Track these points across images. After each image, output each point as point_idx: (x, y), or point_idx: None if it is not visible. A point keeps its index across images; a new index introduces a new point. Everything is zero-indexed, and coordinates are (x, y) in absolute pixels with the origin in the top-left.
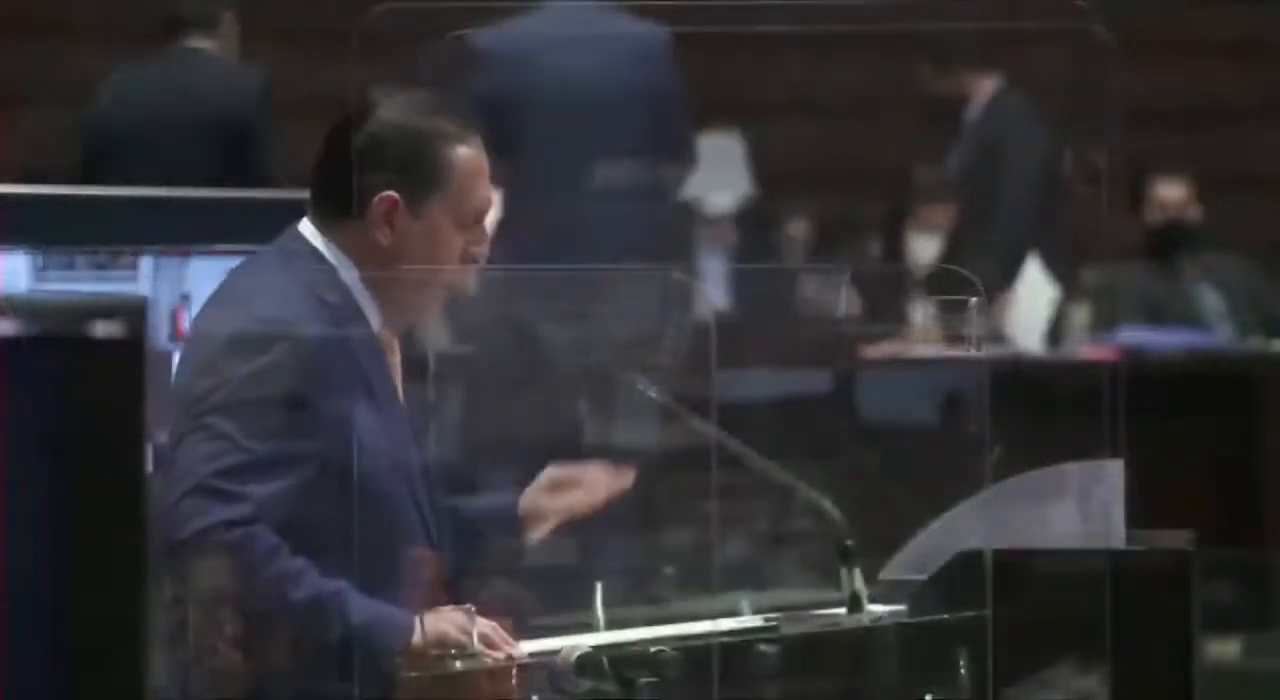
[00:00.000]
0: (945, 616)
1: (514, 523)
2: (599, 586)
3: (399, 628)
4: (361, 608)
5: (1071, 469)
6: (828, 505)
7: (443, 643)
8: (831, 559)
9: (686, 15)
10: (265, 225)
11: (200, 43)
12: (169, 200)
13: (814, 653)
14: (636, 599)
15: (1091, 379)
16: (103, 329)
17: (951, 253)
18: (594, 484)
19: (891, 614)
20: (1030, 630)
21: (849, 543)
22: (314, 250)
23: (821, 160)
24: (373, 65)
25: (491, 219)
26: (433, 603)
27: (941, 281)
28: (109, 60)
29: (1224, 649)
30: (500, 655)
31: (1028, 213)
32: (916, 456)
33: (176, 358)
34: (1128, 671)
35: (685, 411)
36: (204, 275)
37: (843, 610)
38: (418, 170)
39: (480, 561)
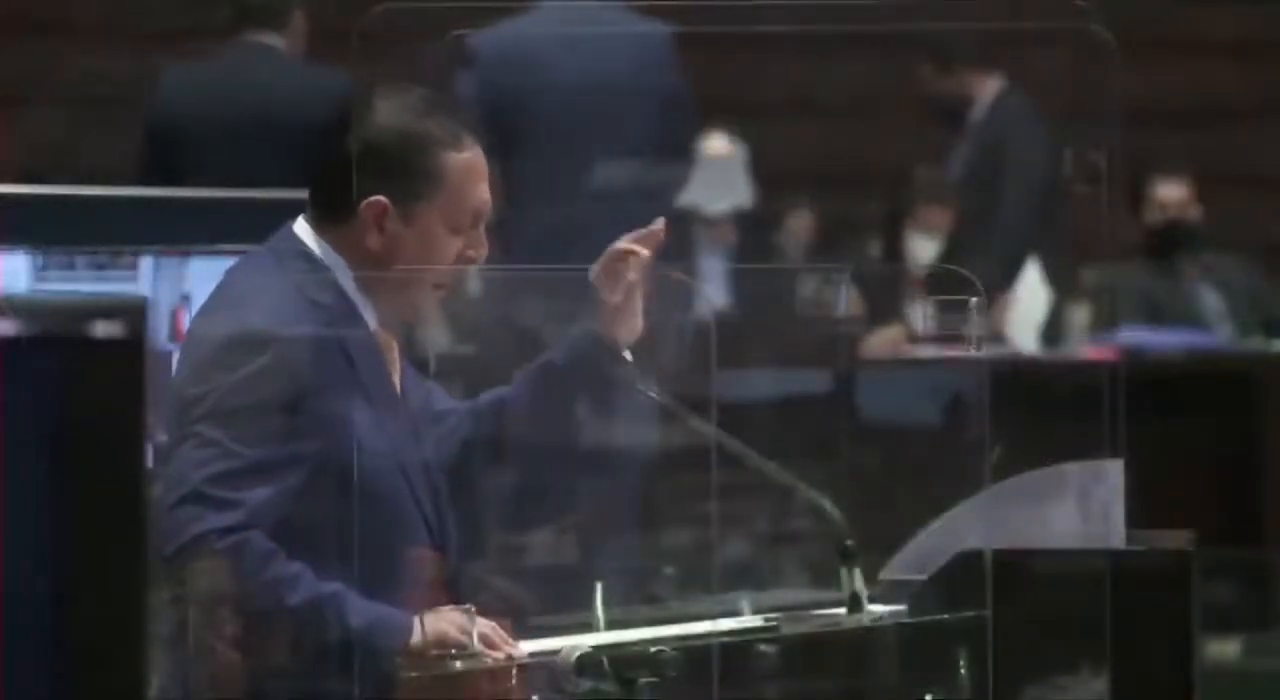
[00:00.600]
0: (945, 616)
1: (592, 336)
2: (599, 586)
3: (398, 628)
4: (359, 609)
5: (1071, 469)
6: (828, 505)
7: (443, 643)
8: (831, 559)
9: (686, 15)
10: (265, 225)
11: (271, 39)
12: (169, 200)
13: (814, 653)
14: (636, 599)
15: (1091, 379)
16: (103, 329)
17: (951, 253)
18: (648, 239)
19: (891, 614)
20: (1030, 630)
21: (849, 543)
22: (306, 251)
23: (821, 160)
24: (372, 65)
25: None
26: (433, 603)
27: (941, 281)
28: (109, 60)
29: (1224, 649)
30: (500, 655)
31: (1030, 213)
32: (916, 456)
33: (175, 359)
34: (1128, 671)
35: (685, 411)
36: (204, 275)
37: (843, 610)
38: (408, 175)
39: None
